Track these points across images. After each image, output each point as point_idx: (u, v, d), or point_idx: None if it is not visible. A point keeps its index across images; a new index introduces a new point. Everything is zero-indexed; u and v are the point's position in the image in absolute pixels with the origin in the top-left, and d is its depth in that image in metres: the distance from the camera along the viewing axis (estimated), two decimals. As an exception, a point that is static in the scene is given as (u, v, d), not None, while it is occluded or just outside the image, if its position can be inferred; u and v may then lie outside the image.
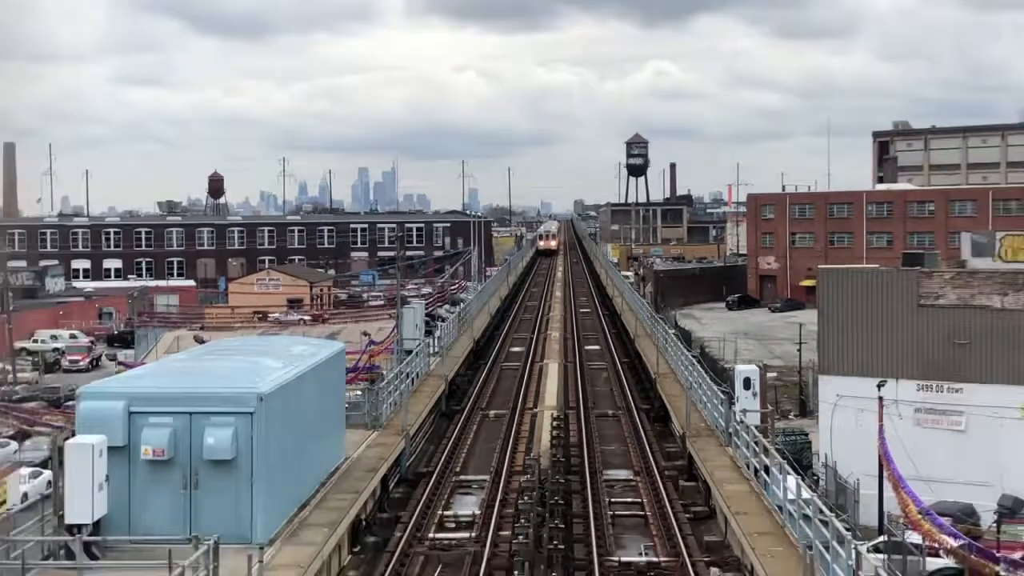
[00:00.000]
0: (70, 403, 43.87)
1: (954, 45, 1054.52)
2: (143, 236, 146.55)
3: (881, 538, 28.65)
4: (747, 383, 41.78)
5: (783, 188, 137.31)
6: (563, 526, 26.73)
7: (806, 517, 21.24)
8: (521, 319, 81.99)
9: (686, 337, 62.38)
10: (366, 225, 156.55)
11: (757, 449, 27.65)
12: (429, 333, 53.94)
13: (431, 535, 27.51)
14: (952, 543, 27.66)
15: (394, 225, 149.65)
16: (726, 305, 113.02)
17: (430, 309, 76.39)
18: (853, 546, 18.04)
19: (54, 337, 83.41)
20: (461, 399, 47.64)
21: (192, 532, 18.76)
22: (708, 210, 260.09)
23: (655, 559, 25.50)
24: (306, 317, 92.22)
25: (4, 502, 25.12)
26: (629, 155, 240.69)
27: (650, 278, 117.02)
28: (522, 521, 24.52)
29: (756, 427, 30.65)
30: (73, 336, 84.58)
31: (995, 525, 31.31)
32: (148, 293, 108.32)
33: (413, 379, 42.13)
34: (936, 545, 27.50)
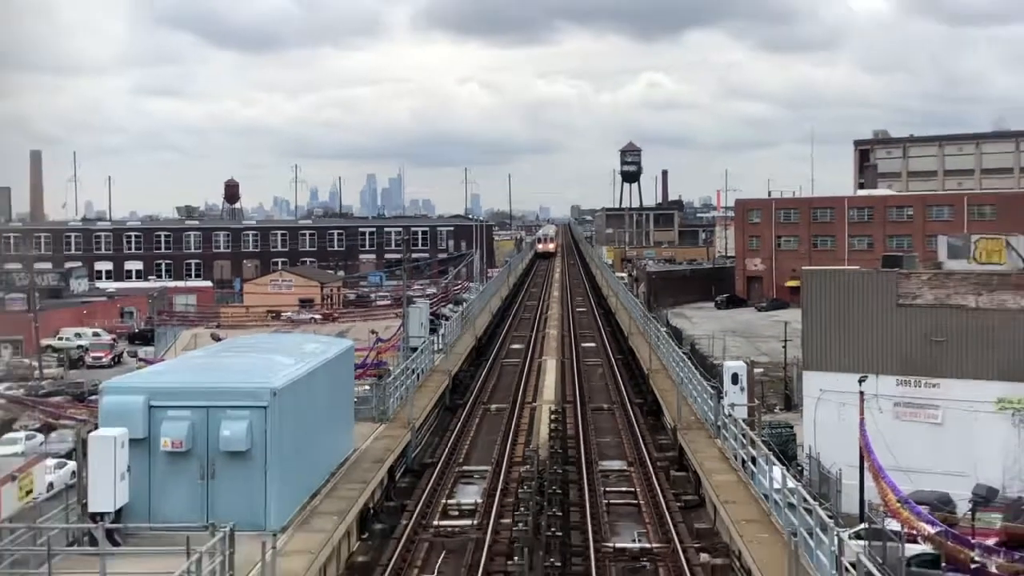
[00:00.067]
0: (93, 397, 43.93)
1: (932, 58, 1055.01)
2: (162, 239, 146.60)
3: (862, 525, 28.66)
4: (735, 378, 41.85)
5: (769, 194, 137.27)
6: (561, 514, 26.73)
7: (791, 505, 21.23)
8: (521, 318, 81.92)
9: (677, 335, 62.38)
10: (374, 229, 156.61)
11: (744, 441, 27.63)
12: (434, 331, 53.94)
13: (435, 522, 27.47)
14: (929, 530, 27.70)
15: (400, 229, 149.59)
16: (715, 304, 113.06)
17: (434, 308, 76.40)
18: (835, 533, 18.03)
19: (78, 335, 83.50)
20: (464, 394, 47.59)
21: (209, 520, 18.73)
22: (698, 214, 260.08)
23: (648, 545, 25.46)
24: (317, 316, 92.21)
25: (31, 491, 25.13)
26: (623, 163, 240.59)
27: (643, 279, 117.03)
28: (522, 509, 24.49)
29: (743, 420, 30.63)
30: (96, 334, 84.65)
31: (970, 513, 31.34)
32: (167, 293, 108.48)
33: (418, 375, 42.08)
34: (914, 532, 27.54)
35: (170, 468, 21.01)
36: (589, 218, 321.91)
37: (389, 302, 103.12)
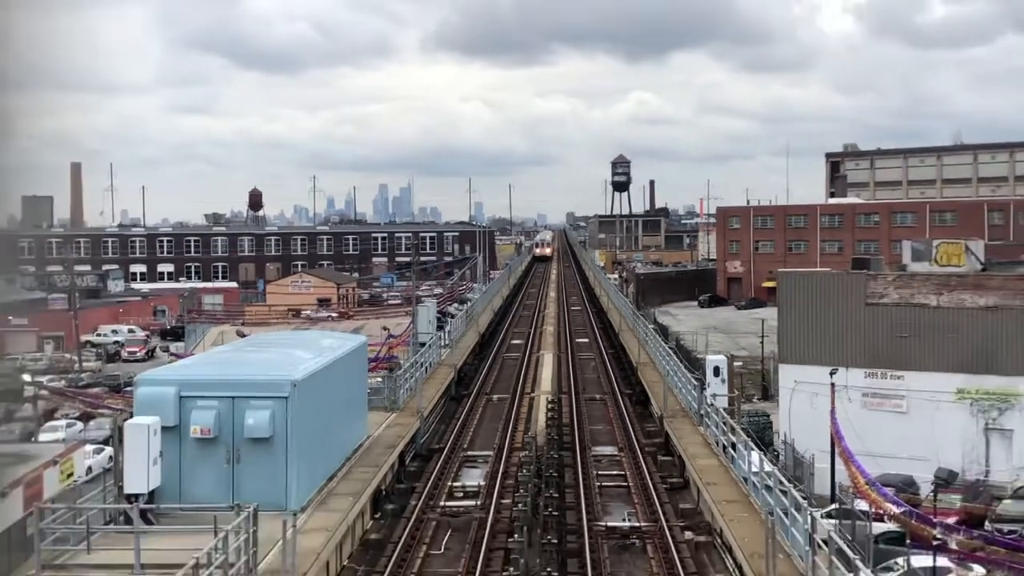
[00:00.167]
0: (128, 389, 43.86)
1: (898, 78, 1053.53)
2: (192, 244, 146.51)
3: (833, 506, 28.63)
4: (716, 371, 41.84)
5: (748, 202, 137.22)
6: (557, 495, 26.74)
7: (768, 487, 21.20)
8: (520, 316, 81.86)
9: (663, 331, 62.30)
10: (386, 235, 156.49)
11: (725, 428, 27.60)
12: (440, 328, 53.87)
13: (442, 503, 27.44)
14: (895, 510, 27.68)
15: (410, 234, 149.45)
16: (698, 304, 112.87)
17: (441, 307, 76.30)
18: (808, 512, 18.01)
19: (115, 331, 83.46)
20: (468, 385, 47.55)
21: (234, 501, 18.71)
22: (683, 221, 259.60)
23: (637, 524, 25.44)
24: (334, 314, 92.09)
25: (71, 475, 25.09)
26: (614, 173, 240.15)
27: (632, 280, 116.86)
28: (521, 491, 24.46)
29: (724, 409, 30.59)
30: (131, 331, 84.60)
31: (932, 494, 31.31)
32: (196, 294, 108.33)
33: (426, 368, 42.06)
34: (881, 512, 27.52)
35: (199, 453, 21.00)
36: (583, 224, 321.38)
37: (399, 301, 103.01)
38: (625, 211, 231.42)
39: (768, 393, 52.33)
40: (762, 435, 37.62)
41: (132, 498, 19.04)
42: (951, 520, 29.07)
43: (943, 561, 23.99)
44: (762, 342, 58.27)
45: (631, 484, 29.54)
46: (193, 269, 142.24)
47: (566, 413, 39.47)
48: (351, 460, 26.36)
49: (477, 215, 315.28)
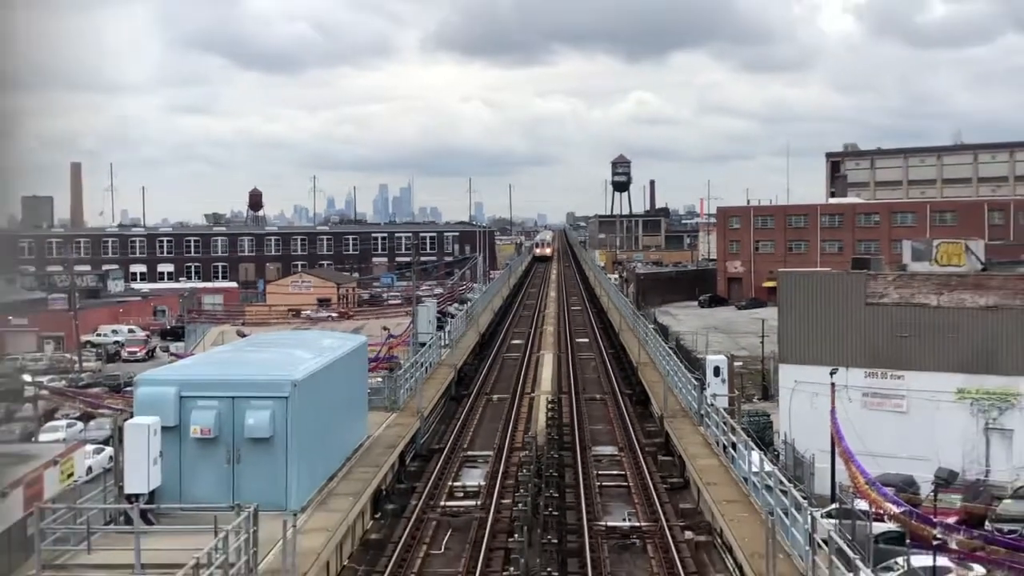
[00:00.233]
0: (129, 389, 43.87)
1: (898, 78, 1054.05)
2: (192, 244, 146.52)
3: (833, 505, 28.64)
4: (716, 371, 41.82)
5: (748, 202, 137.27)
6: (557, 495, 26.74)
7: (768, 487, 21.21)
8: (520, 316, 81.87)
9: (663, 331, 62.32)
10: (386, 235, 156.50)
11: (725, 428, 27.61)
12: (440, 328, 53.88)
13: (442, 503, 27.45)
14: (895, 510, 27.69)
15: (410, 234, 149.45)
16: (698, 303, 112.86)
17: (441, 307, 76.30)
18: (808, 512, 18.02)
19: (115, 331, 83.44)
20: (468, 385, 47.55)
21: (235, 501, 18.72)
22: (683, 221, 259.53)
23: (637, 524, 25.44)
24: (334, 314, 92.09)
25: (72, 475, 25.08)
26: (614, 173, 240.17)
27: (632, 280, 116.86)
28: (521, 491, 24.47)
29: (724, 409, 30.60)
30: (131, 331, 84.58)
31: (932, 494, 31.32)
32: (196, 294, 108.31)
33: (427, 368, 42.07)
34: (881, 511, 27.52)
35: (199, 453, 21.01)
36: (583, 224, 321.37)
37: (399, 301, 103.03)
38: (625, 211, 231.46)
39: (768, 393, 52.33)
40: (762, 435, 37.62)
41: (132, 498, 19.04)
42: (951, 520, 29.08)
43: (943, 561, 24.00)
44: (762, 342, 58.26)
45: (631, 484, 29.54)
46: (193, 269, 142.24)
47: (566, 413, 39.48)
48: (351, 460, 26.36)
49: (477, 215, 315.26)
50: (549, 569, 21.31)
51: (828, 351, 38.38)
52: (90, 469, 32.43)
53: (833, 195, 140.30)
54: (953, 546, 25.82)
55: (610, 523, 25.47)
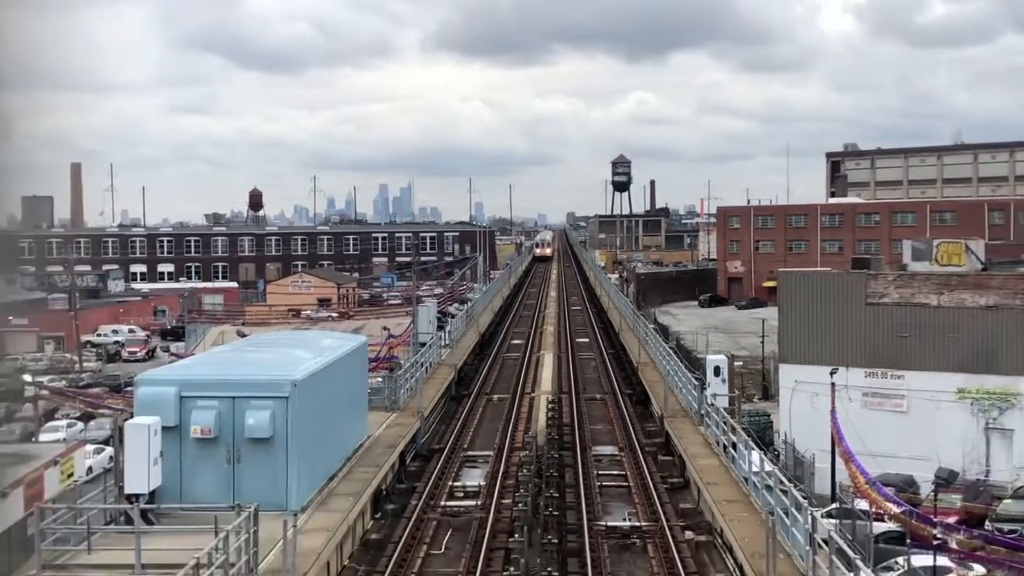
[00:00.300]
0: (129, 389, 43.89)
1: (898, 78, 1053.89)
2: (192, 244, 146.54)
3: (833, 505, 28.65)
4: (717, 371, 41.83)
5: (748, 202, 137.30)
6: (557, 495, 26.74)
7: (768, 487, 21.21)
8: (520, 316, 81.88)
9: (664, 331, 62.32)
10: (386, 235, 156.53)
11: (725, 428, 27.61)
12: (441, 328, 53.88)
13: (443, 503, 27.45)
14: (895, 510, 27.69)
15: (410, 234, 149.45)
16: (699, 303, 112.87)
17: (441, 307, 76.29)
18: (809, 512, 18.02)
19: (115, 331, 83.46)
20: (469, 385, 47.55)
21: (235, 501, 18.72)
22: (683, 221, 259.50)
23: (637, 524, 25.44)
24: (334, 314, 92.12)
25: (72, 475, 25.10)
26: (614, 173, 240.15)
27: (632, 280, 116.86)
28: (521, 491, 24.48)
29: (725, 409, 30.60)
30: (131, 331, 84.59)
31: (933, 494, 31.33)
32: (196, 294, 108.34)
33: (427, 368, 42.07)
34: (881, 511, 27.52)
35: (199, 453, 21.01)
36: (583, 224, 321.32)
37: (400, 301, 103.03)
38: (625, 211, 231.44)
39: (768, 393, 52.33)
40: (762, 435, 37.62)
41: (133, 498, 19.05)
42: (951, 520, 29.10)
43: (943, 560, 24.00)
44: (762, 342, 58.26)
45: (631, 484, 29.54)
46: (193, 269, 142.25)
47: (566, 413, 39.48)
48: (351, 460, 26.36)
49: (477, 215, 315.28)
50: (549, 569, 21.32)
51: (828, 351, 38.38)
52: (90, 469, 32.45)
53: (833, 195, 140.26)
54: (953, 546, 25.83)
55: (610, 523, 25.47)
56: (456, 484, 29.49)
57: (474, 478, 30.22)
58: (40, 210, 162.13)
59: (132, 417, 20.75)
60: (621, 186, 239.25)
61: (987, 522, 30.28)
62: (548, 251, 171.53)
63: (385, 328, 63.35)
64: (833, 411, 32.44)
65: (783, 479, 20.82)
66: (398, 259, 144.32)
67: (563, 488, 28.19)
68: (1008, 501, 31.50)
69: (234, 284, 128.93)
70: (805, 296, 40.56)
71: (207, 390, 21.26)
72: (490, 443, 34.93)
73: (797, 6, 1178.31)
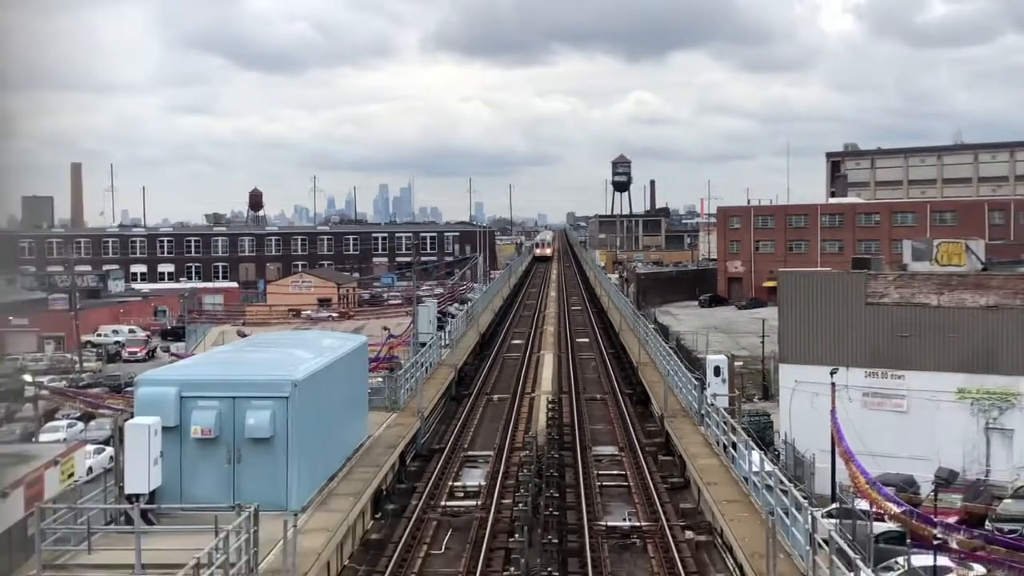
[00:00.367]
0: (129, 389, 43.88)
1: (898, 78, 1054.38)
2: (192, 244, 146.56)
3: (833, 505, 28.65)
4: (717, 371, 41.82)
5: (748, 202, 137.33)
6: (557, 495, 26.73)
7: (768, 487, 21.21)
8: (520, 316, 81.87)
9: (664, 331, 62.30)
10: (386, 235, 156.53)
11: (726, 428, 27.61)
12: (441, 328, 53.87)
13: (443, 503, 27.44)
14: (895, 509, 27.69)
15: (410, 234, 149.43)
16: (699, 303, 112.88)
17: (442, 307, 76.28)
18: (809, 512, 18.02)
19: (115, 332, 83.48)
20: (469, 385, 47.54)
21: (235, 501, 18.71)
22: (683, 221, 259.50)
23: (637, 523, 25.43)
24: (334, 314, 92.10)
25: (72, 475, 25.09)
26: (614, 173, 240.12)
27: (632, 280, 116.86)
28: (522, 491, 24.48)
29: (725, 409, 30.60)
30: (132, 331, 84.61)
31: (933, 494, 31.32)
32: (197, 294, 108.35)
33: (427, 368, 42.06)
34: (882, 511, 27.52)
35: (199, 453, 21.01)
36: (583, 224, 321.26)
37: (400, 301, 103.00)
38: (625, 211, 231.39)
39: (769, 393, 52.33)
40: (762, 435, 37.62)
41: (133, 498, 19.05)
42: (951, 519, 29.09)
43: (943, 560, 24.00)
44: (762, 342, 58.25)
45: (631, 484, 29.53)
46: (193, 269, 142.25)
47: (566, 413, 39.46)
48: (352, 460, 26.35)
49: (477, 215, 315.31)
50: (549, 569, 21.31)
51: (828, 351, 38.38)
52: (90, 469, 32.44)
53: (833, 195, 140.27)
54: (953, 546, 25.82)
55: (610, 523, 25.46)
56: (456, 484, 29.47)
57: (474, 478, 30.20)
58: (40, 210, 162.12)
59: (132, 417, 20.75)
60: (621, 186, 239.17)
61: (987, 522, 30.28)
62: (548, 251, 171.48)
63: (385, 328, 63.33)
64: (833, 411, 32.44)
65: (783, 479, 20.82)
66: (398, 259, 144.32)
67: (563, 488, 28.18)
68: (1008, 501, 31.49)
69: (234, 284, 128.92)
70: (805, 296, 40.56)
71: (207, 390, 21.26)
72: (490, 443, 34.92)
73: (797, 6, 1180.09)
